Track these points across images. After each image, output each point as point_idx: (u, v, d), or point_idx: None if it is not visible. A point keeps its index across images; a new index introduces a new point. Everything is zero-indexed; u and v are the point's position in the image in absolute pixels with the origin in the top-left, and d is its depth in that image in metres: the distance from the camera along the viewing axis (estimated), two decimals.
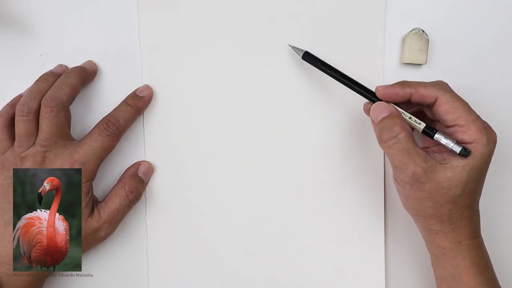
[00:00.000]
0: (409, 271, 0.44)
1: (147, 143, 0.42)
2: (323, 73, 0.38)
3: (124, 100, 0.40)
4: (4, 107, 0.39)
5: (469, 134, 0.34)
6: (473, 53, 0.43)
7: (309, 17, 0.41)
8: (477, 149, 0.34)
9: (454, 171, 0.34)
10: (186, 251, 0.42)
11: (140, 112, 0.41)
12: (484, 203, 0.37)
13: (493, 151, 0.35)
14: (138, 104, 0.40)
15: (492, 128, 0.35)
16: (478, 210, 0.37)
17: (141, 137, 0.42)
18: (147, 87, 0.41)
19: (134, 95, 0.40)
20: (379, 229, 0.43)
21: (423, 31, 0.41)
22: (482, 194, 0.37)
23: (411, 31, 0.41)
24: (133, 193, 0.39)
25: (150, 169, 0.41)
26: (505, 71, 0.43)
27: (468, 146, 0.34)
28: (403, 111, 0.36)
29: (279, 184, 0.42)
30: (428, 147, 0.37)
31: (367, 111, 0.38)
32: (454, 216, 0.35)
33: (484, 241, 0.37)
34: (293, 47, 0.40)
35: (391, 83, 0.37)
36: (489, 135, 0.34)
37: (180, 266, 0.42)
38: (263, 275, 0.43)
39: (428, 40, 0.41)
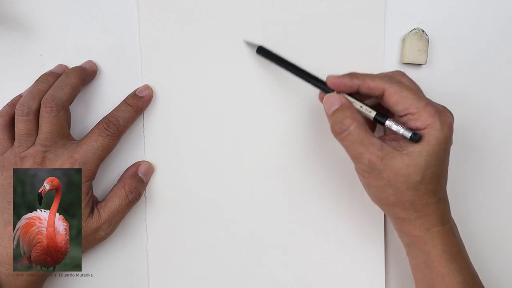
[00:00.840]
0: (409, 271, 0.44)
1: (147, 143, 0.42)
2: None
3: (124, 100, 0.40)
4: (4, 107, 0.39)
5: (422, 120, 0.34)
6: (473, 53, 0.43)
7: (309, 17, 0.41)
8: (430, 134, 0.34)
9: (411, 157, 0.33)
10: (186, 251, 0.42)
11: (140, 112, 0.41)
12: (456, 189, 0.37)
13: (450, 134, 0.34)
14: (138, 104, 0.40)
15: (450, 111, 0.35)
16: (446, 196, 0.36)
17: (141, 137, 0.42)
18: (147, 87, 0.41)
19: (134, 95, 0.40)
20: (379, 228, 0.43)
21: (423, 31, 0.41)
22: (454, 180, 0.36)
23: (411, 31, 0.42)
24: (133, 193, 0.39)
25: (150, 169, 0.41)
26: (505, 70, 0.43)
27: (422, 132, 0.34)
28: (354, 100, 0.36)
29: (279, 184, 0.42)
30: (386, 136, 0.37)
31: (321, 99, 0.38)
32: (418, 203, 0.35)
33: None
34: (248, 43, 0.40)
35: (342, 74, 0.37)
36: (443, 119, 0.34)
37: (180, 266, 0.42)
38: (263, 275, 0.43)
39: (428, 40, 0.41)
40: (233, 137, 0.42)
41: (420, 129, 0.34)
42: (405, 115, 0.34)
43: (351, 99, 0.36)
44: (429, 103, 0.34)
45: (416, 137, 0.34)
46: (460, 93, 0.43)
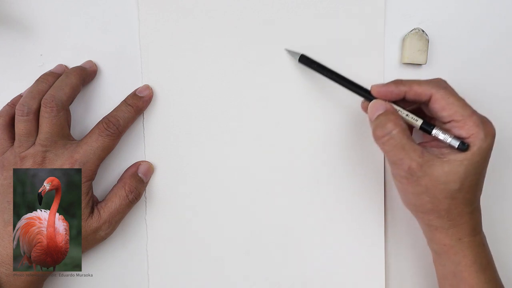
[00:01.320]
0: (409, 271, 0.44)
1: (147, 143, 0.42)
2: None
3: (124, 100, 0.40)
4: (4, 107, 0.39)
5: (466, 129, 0.34)
6: (473, 53, 0.43)
7: (309, 17, 0.41)
8: (474, 143, 0.34)
9: (452, 165, 0.34)
10: (186, 251, 0.42)
11: (140, 112, 0.41)
12: (486, 201, 0.37)
13: (492, 145, 0.34)
14: (138, 104, 0.40)
15: (491, 122, 0.35)
16: (479, 206, 0.37)
17: (141, 137, 0.42)
18: (147, 87, 0.41)
19: (134, 95, 0.40)
20: (379, 228, 0.43)
21: (423, 31, 0.41)
22: (483, 192, 0.37)
23: (411, 31, 0.42)
24: (133, 193, 0.39)
25: (150, 169, 0.41)
26: (505, 70, 0.43)
27: (466, 140, 0.34)
28: (400, 108, 0.36)
29: (279, 184, 0.42)
30: (426, 142, 0.37)
31: (364, 108, 0.38)
32: (453, 212, 0.35)
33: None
34: (289, 51, 0.40)
35: (387, 82, 0.37)
36: (487, 129, 0.34)
37: (180, 266, 0.42)
38: (263, 275, 0.43)
39: (428, 40, 0.41)
40: (233, 137, 0.42)
41: (463, 138, 0.34)
42: (450, 121, 0.35)
43: (397, 107, 0.36)
44: (474, 112, 0.34)
45: (464, 147, 0.34)
46: (460, 93, 0.43)
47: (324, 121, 0.42)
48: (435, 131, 0.35)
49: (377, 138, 0.35)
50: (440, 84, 0.36)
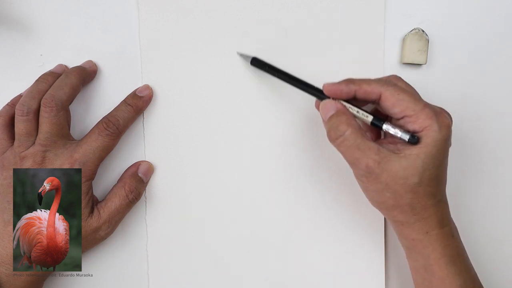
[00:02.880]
0: (409, 272, 0.44)
1: (147, 143, 0.42)
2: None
3: (124, 100, 0.40)
4: (4, 107, 0.39)
5: (419, 122, 0.34)
6: (473, 53, 0.43)
7: (309, 17, 0.41)
8: (428, 136, 0.33)
9: (409, 160, 0.33)
10: (186, 251, 0.42)
11: (140, 112, 0.41)
12: (459, 191, 0.36)
13: (448, 136, 0.34)
14: (138, 104, 0.40)
15: (447, 113, 0.35)
16: (445, 198, 0.36)
17: (141, 137, 0.42)
18: (147, 87, 0.41)
19: (134, 95, 0.40)
20: (379, 228, 0.43)
21: (423, 31, 0.41)
22: (455, 182, 0.36)
23: (411, 31, 0.42)
24: (133, 193, 0.39)
25: (150, 169, 0.41)
26: (505, 71, 0.43)
27: (420, 134, 0.34)
28: (350, 106, 0.36)
29: (279, 184, 0.42)
30: (383, 140, 0.37)
31: (317, 107, 0.38)
32: (416, 206, 0.34)
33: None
34: (241, 54, 0.40)
35: (338, 81, 0.37)
36: (441, 120, 0.34)
37: (180, 266, 0.42)
38: (263, 275, 0.43)
39: (428, 40, 0.41)
40: (233, 137, 0.42)
41: (417, 132, 0.34)
42: (402, 117, 0.34)
43: (348, 105, 0.36)
44: (426, 105, 0.34)
45: (414, 139, 0.34)
46: (460, 93, 0.43)
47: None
48: (385, 126, 0.35)
49: (331, 140, 0.35)
50: (389, 82, 0.35)
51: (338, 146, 0.35)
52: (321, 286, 0.43)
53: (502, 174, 0.44)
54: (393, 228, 0.38)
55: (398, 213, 0.35)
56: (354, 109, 0.36)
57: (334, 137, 0.35)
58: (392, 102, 0.34)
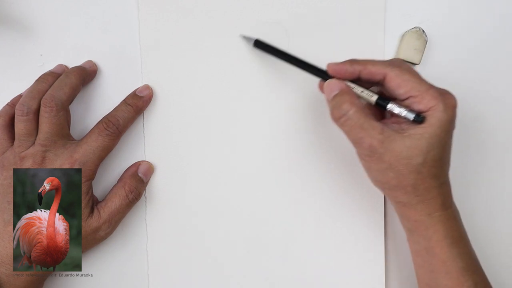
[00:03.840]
0: (409, 271, 0.44)
1: (147, 143, 0.42)
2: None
3: (124, 100, 0.40)
4: (4, 107, 0.39)
5: (424, 103, 0.33)
6: (471, 57, 0.43)
7: (308, 17, 0.41)
8: (433, 116, 0.33)
9: (413, 139, 0.33)
10: (186, 251, 0.42)
11: (140, 112, 0.41)
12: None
13: (453, 117, 0.34)
14: (138, 104, 0.40)
15: (453, 95, 0.35)
16: (448, 181, 0.36)
17: (141, 137, 0.42)
18: (147, 87, 0.41)
19: (134, 95, 0.40)
20: (379, 227, 0.43)
21: (423, 31, 0.41)
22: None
23: (411, 28, 0.41)
24: (133, 193, 0.39)
25: (150, 169, 0.41)
26: (503, 74, 0.43)
27: (425, 114, 0.34)
28: (354, 85, 0.36)
29: (279, 184, 0.42)
30: (387, 120, 0.37)
31: (321, 88, 0.38)
32: (419, 187, 0.34)
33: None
34: (244, 37, 0.40)
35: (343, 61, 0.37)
36: (447, 101, 0.34)
37: (180, 266, 0.42)
38: (263, 275, 0.43)
39: (426, 41, 0.41)
40: (233, 136, 0.42)
41: (422, 112, 0.34)
42: (407, 98, 0.34)
43: (352, 85, 0.36)
44: (432, 86, 0.34)
45: (419, 118, 0.33)
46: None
47: (326, 122, 0.42)
48: (390, 106, 0.35)
49: (335, 120, 0.35)
50: (394, 63, 0.35)
51: (341, 126, 0.35)
52: (321, 286, 0.43)
53: (500, 174, 0.44)
54: (395, 209, 0.38)
55: (401, 194, 0.35)
56: (358, 89, 0.36)
57: (337, 116, 0.35)
58: (397, 83, 0.34)
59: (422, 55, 0.41)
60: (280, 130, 0.42)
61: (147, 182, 0.41)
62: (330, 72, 0.36)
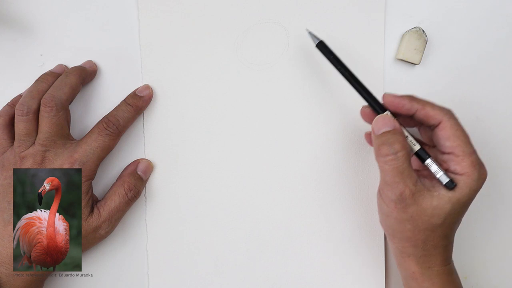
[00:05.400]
0: None
1: (147, 143, 0.42)
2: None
3: (124, 100, 0.40)
4: (4, 107, 0.39)
5: (463, 165, 0.34)
6: (471, 59, 0.43)
7: (308, 17, 0.41)
8: (466, 183, 0.34)
9: (440, 201, 0.34)
10: (186, 251, 0.42)
11: (140, 112, 0.41)
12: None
13: (480, 189, 0.34)
14: (138, 103, 0.40)
15: (485, 167, 0.35)
16: (453, 239, 0.37)
17: (141, 137, 0.42)
18: (147, 87, 0.41)
19: (134, 95, 0.40)
20: (379, 228, 0.43)
21: (423, 31, 0.41)
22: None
23: (412, 28, 0.41)
24: (132, 191, 0.39)
25: (149, 167, 0.41)
26: (500, 76, 0.43)
27: (458, 177, 0.34)
28: (404, 129, 0.36)
29: (279, 184, 0.42)
30: (419, 170, 0.37)
31: (364, 115, 0.38)
32: (429, 244, 0.35)
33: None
34: (310, 33, 0.39)
35: (400, 94, 0.36)
36: (481, 172, 0.34)
37: (180, 266, 0.42)
38: (263, 275, 0.43)
39: (426, 42, 0.41)
40: (233, 136, 0.42)
41: (456, 173, 0.34)
42: (449, 153, 0.34)
43: (403, 128, 0.36)
44: (475, 152, 0.34)
45: (451, 185, 0.34)
46: (451, 99, 0.43)
47: (325, 122, 0.42)
48: (428, 161, 0.35)
49: (380, 155, 0.35)
50: (451, 113, 0.35)
51: (384, 163, 0.34)
52: (321, 286, 0.43)
53: (499, 175, 0.44)
54: (395, 257, 0.38)
55: (410, 246, 0.35)
56: (405, 133, 0.35)
57: (384, 153, 0.34)
58: (448, 135, 0.34)
59: (422, 55, 0.41)
60: (280, 130, 0.42)
61: (146, 180, 0.41)
62: (386, 103, 0.36)
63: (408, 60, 0.41)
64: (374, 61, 0.42)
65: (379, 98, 0.37)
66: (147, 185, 0.42)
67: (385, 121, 0.35)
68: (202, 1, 0.41)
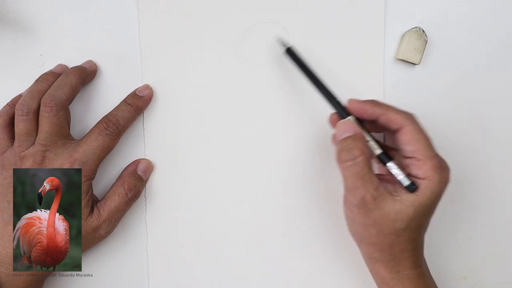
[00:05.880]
0: None
1: (147, 143, 0.42)
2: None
3: (124, 100, 0.40)
4: (4, 107, 0.39)
5: (424, 169, 0.34)
6: (471, 59, 0.43)
7: (308, 17, 0.41)
8: (427, 186, 0.34)
9: (403, 205, 0.34)
10: (186, 251, 0.42)
11: (140, 112, 0.41)
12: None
13: (444, 191, 0.34)
14: (138, 103, 0.40)
15: (449, 169, 0.35)
16: (422, 243, 0.37)
17: (141, 137, 0.42)
18: (147, 87, 0.41)
19: (134, 95, 0.40)
20: None
21: (423, 31, 0.41)
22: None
23: (412, 28, 0.41)
24: (132, 191, 0.39)
25: (149, 167, 0.41)
26: (500, 76, 0.43)
27: (419, 181, 0.34)
28: (366, 133, 0.36)
29: (279, 183, 0.42)
30: (383, 175, 0.37)
31: (332, 121, 0.38)
32: (395, 248, 0.35)
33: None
34: (279, 40, 0.39)
35: (365, 99, 0.37)
36: (443, 175, 0.34)
37: (180, 266, 0.42)
38: (263, 275, 0.43)
39: (426, 42, 0.41)
40: (233, 137, 0.42)
41: (418, 177, 0.34)
42: (410, 158, 0.35)
43: (364, 132, 0.36)
44: (437, 155, 0.34)
45: (412, 188, 0.34)
46: (450, 99, 0.43)
47: (324, 122, 0.42)
48: (389, 164, 0.35)
49: (340, 161, 0.35)
50: (413, 118, 0.35)
51: (344, 169, 0.35)
52: (321, 286, 0.43)
53: (499, 175, 0.44)
54: (366, 263, 0.38)
55: (376, 251, 0.36)
56: (367, 138, 0.36)
57: (344, 159, 0.34)
58: (409, 139, 0.34)
59: (422, 55, 0.41)
60: (280, 130, 0.42)
61: (146, 180, 0.41)
62: (350, 108, 0.36)
63: (408, 60, 0.41)
64: (374, 61, 0.42)
65: (369, 100, 0.37)
66: (147, 185, 0.42)
67: (346, 126, 0.36)
68: (202, 1, 0.41)
